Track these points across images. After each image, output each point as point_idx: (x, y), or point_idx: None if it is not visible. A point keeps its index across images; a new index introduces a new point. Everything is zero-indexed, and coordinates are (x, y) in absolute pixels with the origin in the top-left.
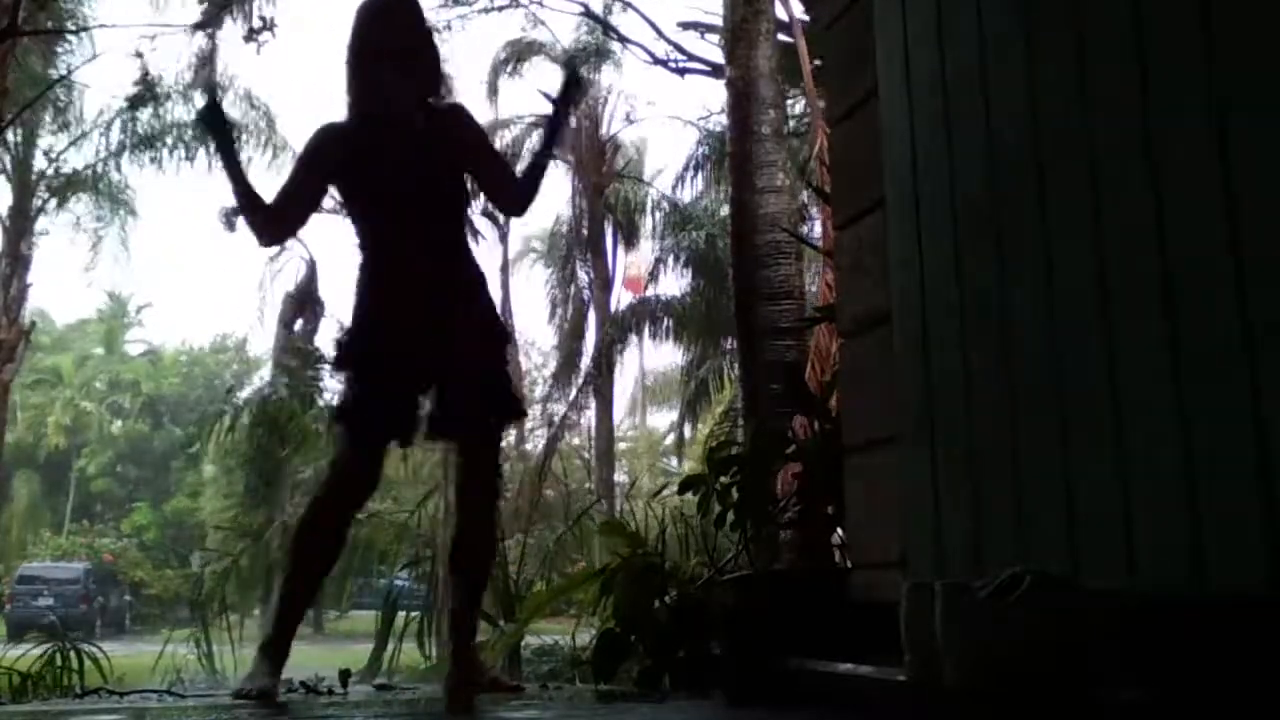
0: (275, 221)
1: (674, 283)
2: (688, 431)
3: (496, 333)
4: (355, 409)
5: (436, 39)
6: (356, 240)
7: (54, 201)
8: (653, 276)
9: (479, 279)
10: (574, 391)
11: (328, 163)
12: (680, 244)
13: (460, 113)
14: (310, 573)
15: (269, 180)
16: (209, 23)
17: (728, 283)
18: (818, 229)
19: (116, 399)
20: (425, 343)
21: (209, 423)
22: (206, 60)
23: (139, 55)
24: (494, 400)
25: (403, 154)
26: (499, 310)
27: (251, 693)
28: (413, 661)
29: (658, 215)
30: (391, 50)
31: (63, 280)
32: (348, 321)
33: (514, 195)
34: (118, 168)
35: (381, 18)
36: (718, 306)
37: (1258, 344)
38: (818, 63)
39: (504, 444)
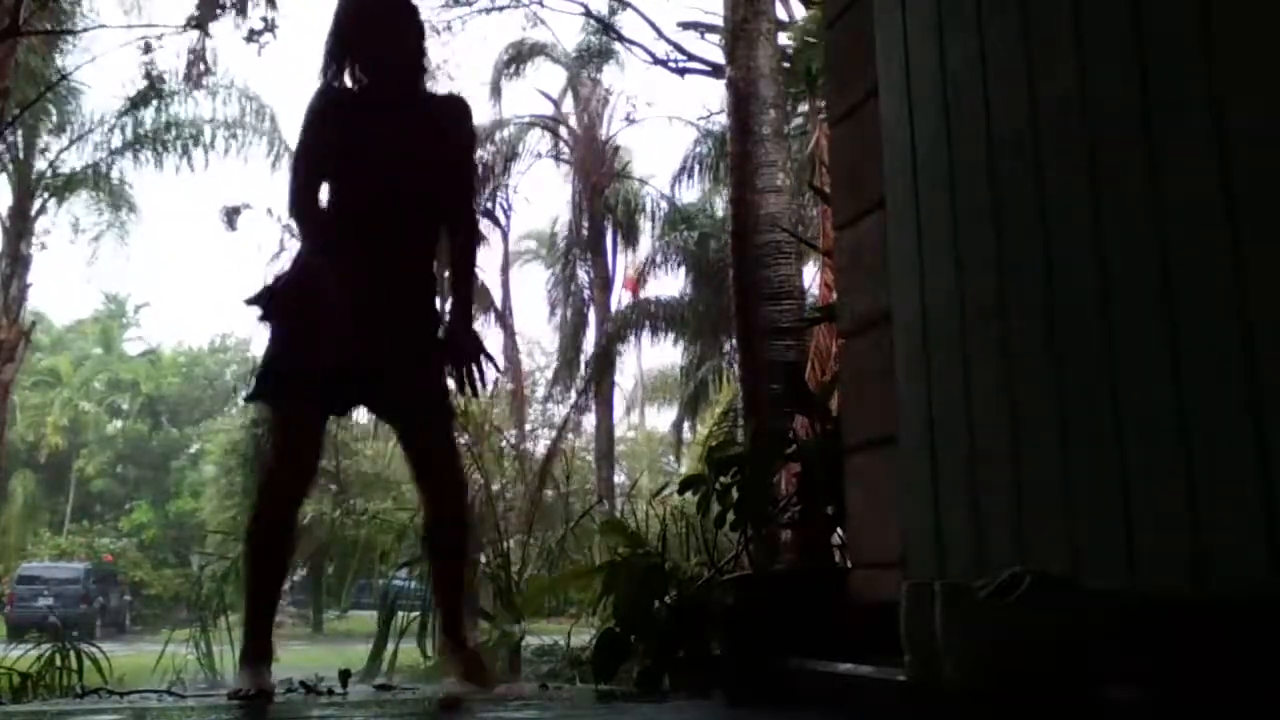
0: (316, 218)
1: (672, 283)
2: (688, 432)
3: (433, 337)
4: (283, 379)
5: (421, 19)
6: (330, 194)
7: (54, 201)
8: (640, 276)
9: (431, 280)
10: (574, 392)
11: (330, 122)
12: (673, 243)
13: (463, 107)
14: (268, 568)
15: (270, 181)
16: (202, 19)
17: (726, 282)
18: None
19: (115, 399)
20: (364, 319)
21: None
22: (199, 57)
23: (148, 49)
24: (427, 393)
25: (392, 130)
26: (499, 311)
27: (250, 693)
28: (412, 661)
29: (657, 216)
30: (378, 18)
31: (63, 280)
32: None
33: (463, 227)
34: (118, 167)
35: None
36: (716, 306)
37: (1258, 344)
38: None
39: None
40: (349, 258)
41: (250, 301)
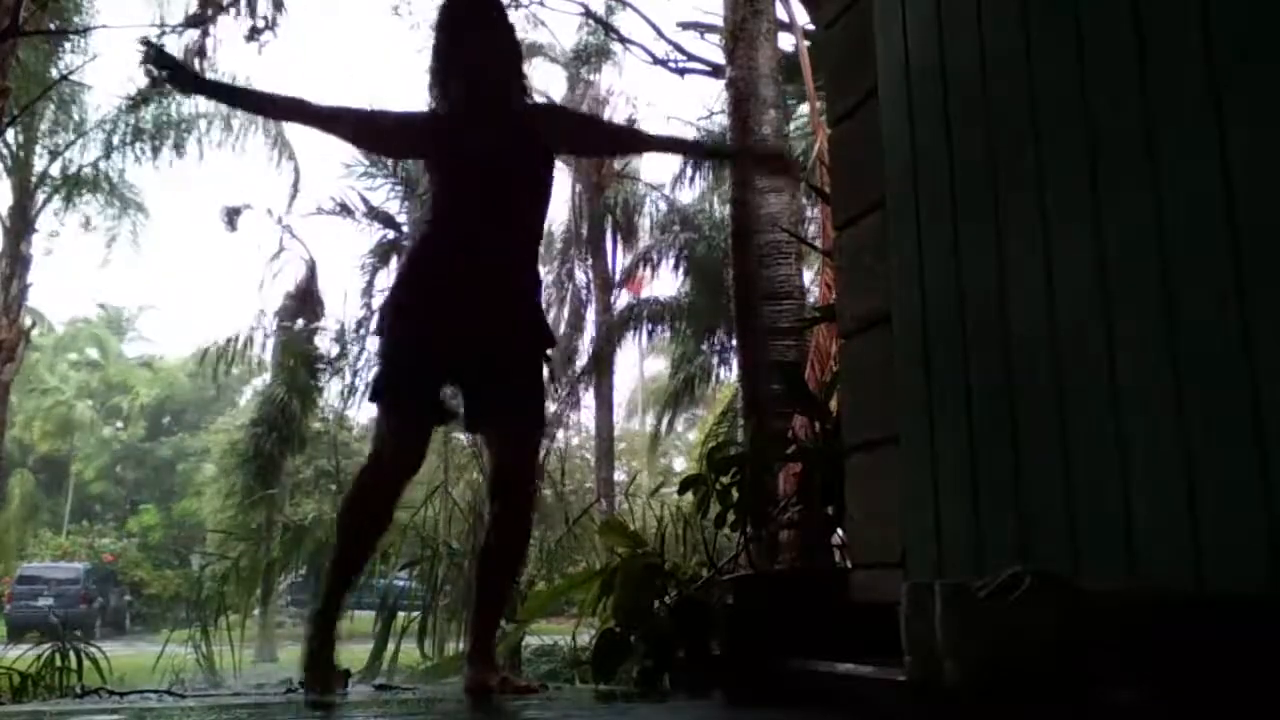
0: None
1: (670, 283)
2: (678, 427)
3: (544, 337)
4: (397, 382)
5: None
6: (429, 209)
7: (57, 201)
8: (629, 276)
9: (537, 281)
10: (570, 390)
11: (423, 130)
12: (670, 243)
13: (555, 109)
14: (357, 548)
15: (272, 182)
16: (201, 19)
17: (725, 282)
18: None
19: (115, 400)
20: (476, 324)
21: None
22: (199, 54)
23: (148, 46)
24: (533, 405)
25: (500, 143)
26: None
27: (317, 690)
28: (412, 661)
29: (656, 216)
30: (490, 44)
31: (62, 281)
32: (396, 283)
33: (614, 136)
34: (119, 167)
35: (478, 13)
36: (713, 305)
37: (1258, 344)
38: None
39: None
40: (458, 260)
41: (378, 330)
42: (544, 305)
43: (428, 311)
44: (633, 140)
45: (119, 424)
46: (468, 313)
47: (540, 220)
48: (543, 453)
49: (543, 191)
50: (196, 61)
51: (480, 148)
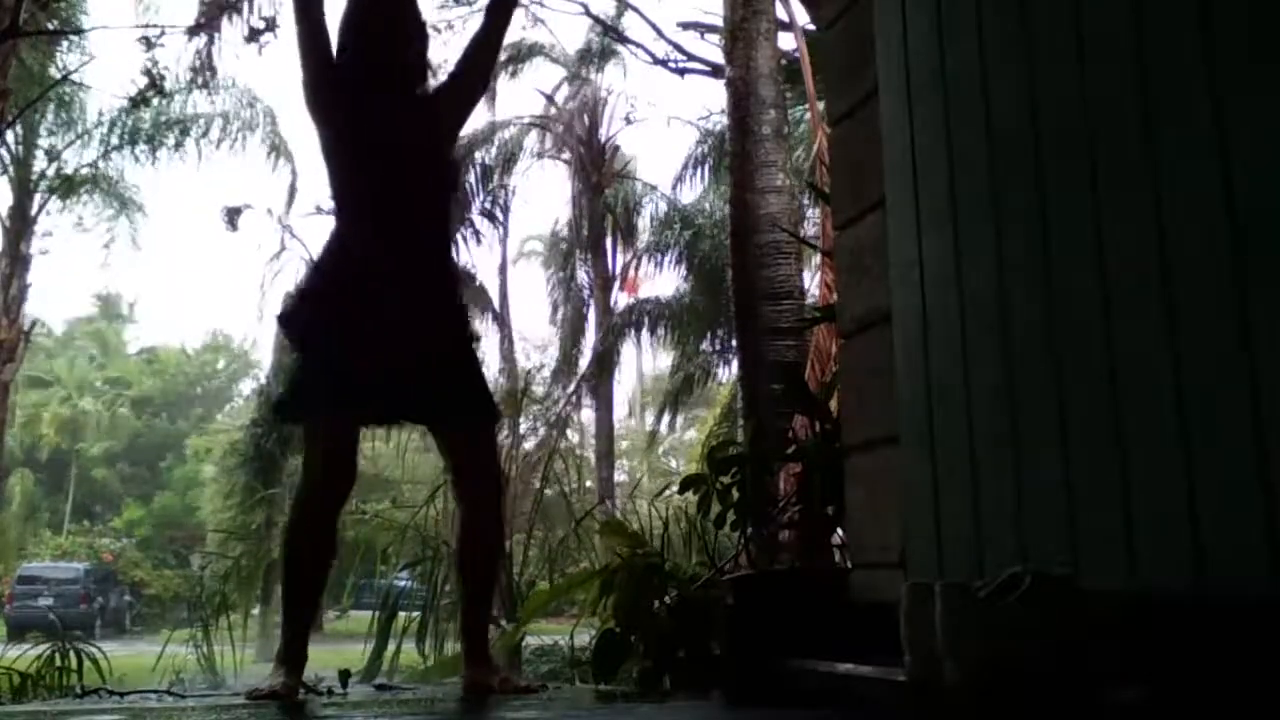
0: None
1: (670, 282)
2: (675, 427)
3: (470, 331)
4: (322, 398)
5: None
6: (333, 202)
7: (57, 201)
8: (623, 275)
9: (456, 274)
10: (570, 391)
11: (333, 97)
12: (670, 242)
13: (440, 88)
14: (306, 576)
15: (271, 183)
16: (206, 24)
17: (725, 282)
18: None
19: (114, 397)
20: (398, 320)
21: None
22: (206, 64)
23: (149, 45)
24: (475, 396)
25: (398, 121)
26: (495, 311)
27: (264, 692)
28: (413, 661)
29: (656, 216)
30: (390, 16)
31: (63, 280)
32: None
33: (472, 49)
34: (118, 166)
35: None
36: (713, 305)
37: (1258, 344)
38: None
39: (499, 439)
40: (369, 260)
41: (280, 318)
42: (465, 302)
43: (350, 318)
44: (475, 49)
45: (120, 412)
46: (392, 314)
47: (448, 206)
48: (541, 450)
49: (449, 176)
50: (203, 75)
51: (380, 123)
